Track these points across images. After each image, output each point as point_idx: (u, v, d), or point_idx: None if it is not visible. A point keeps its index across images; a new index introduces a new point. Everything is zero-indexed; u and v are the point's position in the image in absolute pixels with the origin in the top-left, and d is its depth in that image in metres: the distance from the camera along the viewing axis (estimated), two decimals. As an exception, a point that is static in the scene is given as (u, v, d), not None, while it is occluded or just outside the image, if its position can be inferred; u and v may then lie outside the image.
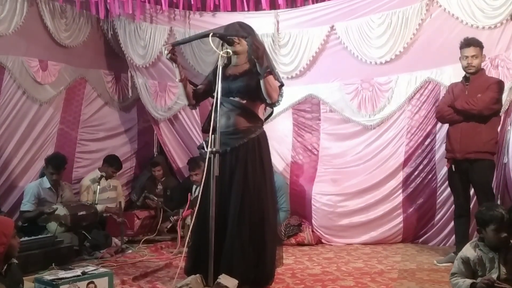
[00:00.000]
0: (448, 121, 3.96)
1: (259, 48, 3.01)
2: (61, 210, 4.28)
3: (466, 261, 2.64)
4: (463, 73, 3.91)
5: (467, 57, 3.79)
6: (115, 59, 5.86)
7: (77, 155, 5.58)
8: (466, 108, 3.74)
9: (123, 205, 5.15)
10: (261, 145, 3.21)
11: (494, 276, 2.52)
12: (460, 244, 3.82)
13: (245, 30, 3.17)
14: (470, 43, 3.80)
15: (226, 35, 3.16)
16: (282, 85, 3.25)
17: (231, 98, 3.19)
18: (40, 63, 5.03)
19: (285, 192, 4.96)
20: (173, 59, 3.20)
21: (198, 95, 3.40)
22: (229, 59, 3.20)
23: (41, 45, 5.05)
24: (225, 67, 3.17)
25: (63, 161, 4.74)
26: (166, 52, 3.17)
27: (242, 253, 3.03)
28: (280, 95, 3.20)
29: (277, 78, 3.18)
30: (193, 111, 5.43)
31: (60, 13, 5.16)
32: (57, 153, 4.94)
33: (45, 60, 5.08)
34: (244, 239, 3.04)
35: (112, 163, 5.34)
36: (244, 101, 3.19)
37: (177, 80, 3.33)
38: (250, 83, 3.13)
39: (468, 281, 2.56)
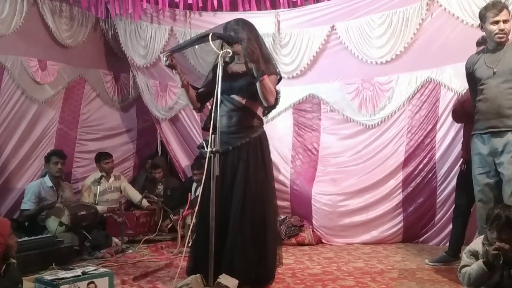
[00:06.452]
0: (457, 117, 3.85)
1: (254, 52, 2.98)
2: (61, 209, 4.26)
3: (475, 254, 2.65)
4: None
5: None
6: (114, 59, 5.86)
7: (76, 155, 5.59)
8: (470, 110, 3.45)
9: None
10: (262, 144, 3.21)
11: (497, 275, 2.52)
12: (452, 244, 3.81)
13: (243, 29, 3.14)
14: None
15: (224, 36, 3.13)
16: (280, 77, 3.25)
17: (232, 96, 3.18)
18: (39, 63, 5.03)
19: None
20: (171, 65, 3.16)
21: (202, 97, 3.38)
22: (231, 56, 3.14)
23: (40, 45, 5.05)
24: (227, 64, 3.13)
25: (64, 152, 4.81)
26: (164, 59, 3.14)
27: (244, 252, 3.02)
28: (277, 98, 3.18)
29: (274, 71, 3.16)
30: (193, 111, 5.42)
31: (61, 12, 5.16)
32: (55, 148, 4.98)
33: (44, 60, 5.08)
34: (246, 238, 3.04)
35: (98, 158, 5.28)
36: (245, 101, 3.17)
37: (179, 86, 3.32)
38: (252, 81, 3.10)
39: (478, 261, 2.57)
